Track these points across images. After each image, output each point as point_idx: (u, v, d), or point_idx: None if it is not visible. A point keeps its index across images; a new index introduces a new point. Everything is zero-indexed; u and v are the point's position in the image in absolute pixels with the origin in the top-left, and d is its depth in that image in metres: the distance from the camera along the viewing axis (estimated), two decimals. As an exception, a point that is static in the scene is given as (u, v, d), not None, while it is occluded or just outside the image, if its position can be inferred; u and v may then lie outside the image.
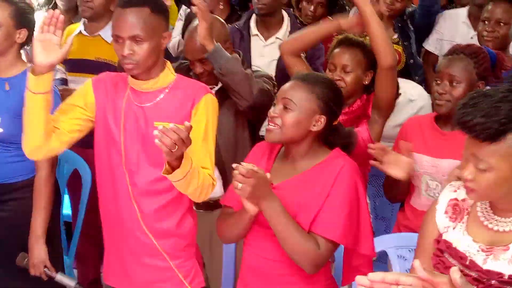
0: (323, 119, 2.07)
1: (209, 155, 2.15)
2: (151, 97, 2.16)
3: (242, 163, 1.92)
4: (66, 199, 3.58)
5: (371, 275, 1.20)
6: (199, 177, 2.06)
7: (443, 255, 1.73)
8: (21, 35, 2.61)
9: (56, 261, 2.70)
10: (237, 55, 2.73)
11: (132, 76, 2.17)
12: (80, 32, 3.43)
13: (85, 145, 3.16)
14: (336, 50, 2.70)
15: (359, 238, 2.04)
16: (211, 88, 2.31)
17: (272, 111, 2.07)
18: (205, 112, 2.13)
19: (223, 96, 2.63)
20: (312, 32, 2.75)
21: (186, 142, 1.87)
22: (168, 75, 2.18)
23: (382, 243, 2.45)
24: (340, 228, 1.99)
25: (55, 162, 2.70)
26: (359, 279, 1.20)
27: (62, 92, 3.06)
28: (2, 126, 2.59)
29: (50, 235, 2.68)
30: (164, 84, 2.17)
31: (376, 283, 1.20)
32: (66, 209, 3.56)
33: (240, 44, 3.51)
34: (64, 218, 3.49)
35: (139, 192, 2.16)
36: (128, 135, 2.17)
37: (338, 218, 1.99)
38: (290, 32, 3.54)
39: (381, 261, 2.72)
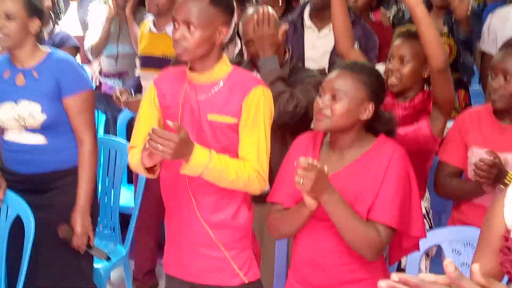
0: (371, 106, 2.07)
1: (257, 147, 2.14)
2: (206, 90, 2.18)
3: (301, 157, 1.92)
4: (123, 190, 3.66)
5: (394, 276, 1.18)
6: (229, 171, 2.07)
7: None
8: (35, 24, 2.68)
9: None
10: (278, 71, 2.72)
11: (189, 69, 2.19)
12: (150, 28, 3.50)
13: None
14: (396, 41, 2.68)
15: (410, 221, 2.04)
16: None
17: (321, 102, 2.06)
18: (255, 104, 2.12)
19: None
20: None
21: (171, 141, 1.93)
22: (223, 67, 2.19)
23: (436, 237, 2.43)
24: (397, 213, 1.99)
25: (96, 135, 2.79)
26: (381, 284, 1.17)
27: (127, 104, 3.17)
28: (44, 112, 2.66)
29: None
30: (219, 77, 2.18)
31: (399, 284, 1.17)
32: (124, 200, 3.63)
33: (293, 36, 3.50)
34: (121, 209, 3.58)
35: (195, 184, 2.19)
36: (185, 128, 2.19)
37: (394, 204, 2.00)
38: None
39: (437, 256, 2.70)
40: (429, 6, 3.99)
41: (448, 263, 1.12)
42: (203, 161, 2.04)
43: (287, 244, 2.58)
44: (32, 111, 2.64)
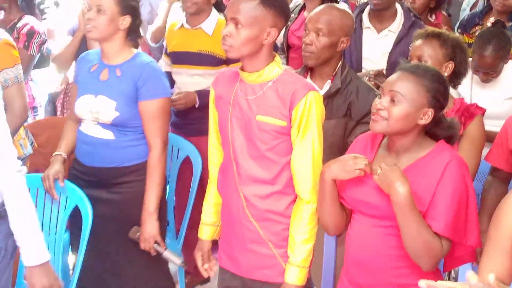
0: (430, 112, 2.02)
1: (311, 154, 2.16)
2: (256, 90, 2.20)
3: (382, 164, 1.94)
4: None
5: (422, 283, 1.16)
6: (311, 242, 2.24)
7: None
8: (125, 21, 2.72)
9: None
10: None
11: (241, 69, 2.22)
12: (182, 25, 3.53)
13: (198, 133, 3.30)
14: (414, 43, 2.65)
15: (466, 231, 2.00)
16: None
17: (379, 104, 2.03)
18: (307, 111, 2.13)
19: (331, 98, 2.62)
20: None
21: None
22: (274, 69, 2.19)
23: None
24: (450, 223, 1.95)
25: (167, 142, 2.82)
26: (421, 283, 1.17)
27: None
28: (117, 110, 2.73)
29: (158, 214, 2.80)
30: (268, 78, 2.19)
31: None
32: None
33: (352, 37, 3.48)
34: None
35: (243, 182, 2.23)
36: (234, 126, 2.23)
37: (449, 213, 1.95)
38: (404, 25, 3.48)
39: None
40: (489, 9, 3.92)
41: (470, 275, 1.12)
42: (301, 276, 2.23)
43: (335, 242, 2.57)
44: (107, 107, 2.72)
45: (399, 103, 2.00)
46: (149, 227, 2.75)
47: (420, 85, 2.01)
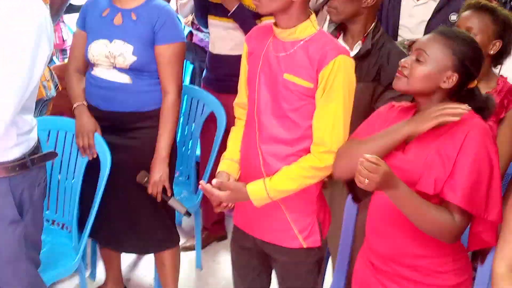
0: (455, 77, 1.95)
1: (332, 120, 2.09)
2: (287, 47, 2.14)
3: (365, 155, 1.83)
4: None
5: None
6: (290, 185, 2.14)
7: None
8: None
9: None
10: None
11: (274, 24, 2.17)
12: None
13: (227, 90, 3.26)
14: (464, 13, 2.54)
15: (487, 205, 1.93)
16: None
17: (404, 61, 1.99)
18: (334, 75, 2.06)
19: (360, 60, 2.53)
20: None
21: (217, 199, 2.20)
22: (308, 28, 2.13)
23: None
24: (466, 193, 1.89)
25: (181, 87, 2.81)
26: None
27: None
28: (135, 54, 2.70)
29: (169, 161, 2.80)
30: (301, 37, 2.13)
31: None
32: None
33: (390, 2, 3.39)
34: (198, 159, 3.63)
35: (263, 140, 2.19)
36: (261, 82, 2.19)
37: (466, 183, 1.89)
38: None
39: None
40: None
41: None
42: (261, 195, 2.15)
43: (357, 208, 2.53)
44: (124, 52, 2.69)
45: (423, 62, 1.96)
46: (160, 172, 2.76)
47: (447, 47, 1.95)
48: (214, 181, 2.22)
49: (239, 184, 2.21)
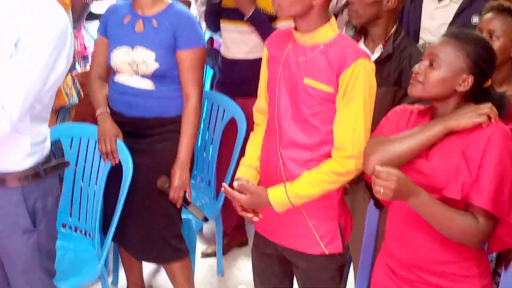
0: (470, 79, 1.93)
1: (352, 124, 2.08)
2: (307, 52, 2.13)
3: (377, 167, 1.82)
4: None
5: None
6: (313, 191, 2.12)
7: None
8: None
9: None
10: None
11: (294, 29, 2.16)
12: None
13: (245, 94, 3.26)
14: (486, 16, 2.50)
15: (510, 208, 1.91)
16: None
17: (417, 67, 1.97)
18: (354, 79, 2.05)
19: (381, 64, 2.52)
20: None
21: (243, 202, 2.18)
22: (327, 32, 2.12)
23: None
24: (492, 196, 1.87)
25: (202, 92, 2.82)
26: None
27: None
28: (157, 60, 2.71)
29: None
30: (321, 41, 2.12)
31: None
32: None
33: (411, 5, 3.36)
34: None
35: (284, 145, 2.18)
36: (281, 87, 2.18)
37: (490, 186, 1.87)
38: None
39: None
40: None
41: None
42: (282, 200, 2.13)
43: (379, 214, 2.51)
44: (146, 58, 2.71)
45: (436, 67, 1.94)
46: (181, 177, 2.76)
47: (460, 50, 1.93)
48: (235, 183, 2.21)
49: (260, 188, 2.20)
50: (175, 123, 2.80)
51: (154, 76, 2.74)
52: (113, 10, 2.86)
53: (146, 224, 2.88)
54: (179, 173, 2.77)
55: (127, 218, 2.86)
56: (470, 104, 1.97)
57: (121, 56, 2.76)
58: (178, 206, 2.82)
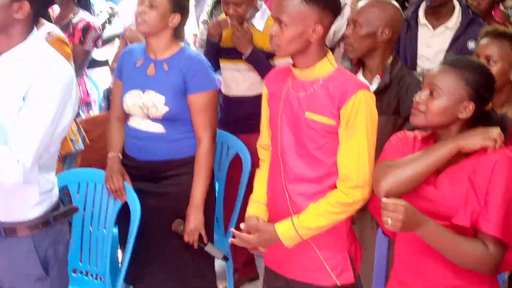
0: (471, 106, 1.95)
1: (356, 155, 2.09)
2: (306, 87, 2.16)
3: (383, 199, 1.85)
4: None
5: None
6: (321, 222, 2.13)
7: None
8: (175, 19, 2.74)
9: (207, 233, 2.84)
10: None
11: (293, 65, 2.19)
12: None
13: (247, 130, 3.28)
14: (482, 41, 2.53)
15: None
16: None
17: (418, 97, 1.99)
18: (355, 111, 2.07)
19: (380, 94, 2.54)
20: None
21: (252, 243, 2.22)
22: (326, 66, 2.15)
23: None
24: (501, 223, 1.87)
25: (215, 134, 2.82)
26: None
27: None
28: (167, 104, 2.73)
29: (205, 207, 2.81)
30: (320, 75, 2.15)
31: None
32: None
33: (407, 34, 3.41)
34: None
35: (289, 180, 2.19)
36: (283, 123, 2.21)
37: (499, 213, 1.87)
38: (461, 22, 3.38)
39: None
40: None
41: None
42: (290, 234, 2.14)
43: (388, 244, 2.51)
44: (156, 102, 2.73)
45: (437, 96, 1.96)
46: (195, 220, 2.76)
47: (460, 78, 1.95)
48: (242, 225, 2.22)
49: (267, 224, 2.21)
50: (188, 164, 2.80)
51: (165, 119, 2.76)
52: (128, 53, 2.91)
53: (168, 265, 2.88)
54: (193, 216, 2.76)
55: (145, 261, 2.86)
56: (479, 127, 1.97)
57: (132, 99, 2.79)
58: (195, 248, 2.81)
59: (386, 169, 2.00)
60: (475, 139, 1.93)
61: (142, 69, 2.80)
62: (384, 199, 1.85)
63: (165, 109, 2.73)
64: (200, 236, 2.80)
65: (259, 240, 2.20)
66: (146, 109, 2.75)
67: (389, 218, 1.83)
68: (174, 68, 2.75)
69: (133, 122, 2.84)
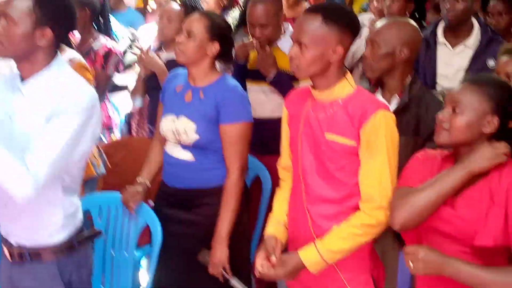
0: (495, 120, 1.94)
1: (379, 175, 2.09)
2: (326, 108, 2.17)
3: (405, 248, 1.87)
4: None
5: None
6: (345, 245, 2.13)
7: None
8: (213, 48, 2.74)
9: (240, 266, 2.78)
10: None
11: (312, 87, 2.20)
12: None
13: (269, 152, 3.28)
14: (502, 58, 2.52)
15: None
16: None
17: (441, 115, 1.99)
18: (375, 131, 2.08)
19: (399, 114, 2.53)
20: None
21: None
22: (345, 87, 2.16)
23: None
24: None
25: (245, 168, 2.79)
26: None
27: None
28: (198, 132, 2.72)
29: (239, 239, 2.78)
30: (339, 96, 2.16)
31: None
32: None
33: (426, 53, 3.40)
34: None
35: (311, 201, 2.19)
36: (304, 144, 2.21)
37: None
38: (481, 41, 3.37)
39: None
40: None
41: None
42: (315, 259, 2.13)
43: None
44: (188, 129, 2.72)
45: (460, 113, 1.96)
46: (219, 253, 2.70)
47: (481, 94, 1.95)
48: (261, 264, 2.23)
49: (290, 255, 2.19)
50: (217, 193, 2.76)
51: (195, 147, 2.74)
52: (172, 77, 2.92)
53: None
54: (217, 249, 2.70)
55: (168, 286, 2.84)
56: (484, 144, 1.97)
57: (167, 124, 2.79)
58: (221, 280, 2.76)
59: (400, 200, 2.01)
60: (485, 162, 1.92)
61: (181, 94, 2.81)
62: (405, 248, 1.85)
63: (196, 137, 2.71)
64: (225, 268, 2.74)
65: (286, 272, 2.17)
66: (178, 135, 2.75)
67: (411, 263, 1.84)
68: (209, 97, 2.73)
69: (168, 148, 2.84)
